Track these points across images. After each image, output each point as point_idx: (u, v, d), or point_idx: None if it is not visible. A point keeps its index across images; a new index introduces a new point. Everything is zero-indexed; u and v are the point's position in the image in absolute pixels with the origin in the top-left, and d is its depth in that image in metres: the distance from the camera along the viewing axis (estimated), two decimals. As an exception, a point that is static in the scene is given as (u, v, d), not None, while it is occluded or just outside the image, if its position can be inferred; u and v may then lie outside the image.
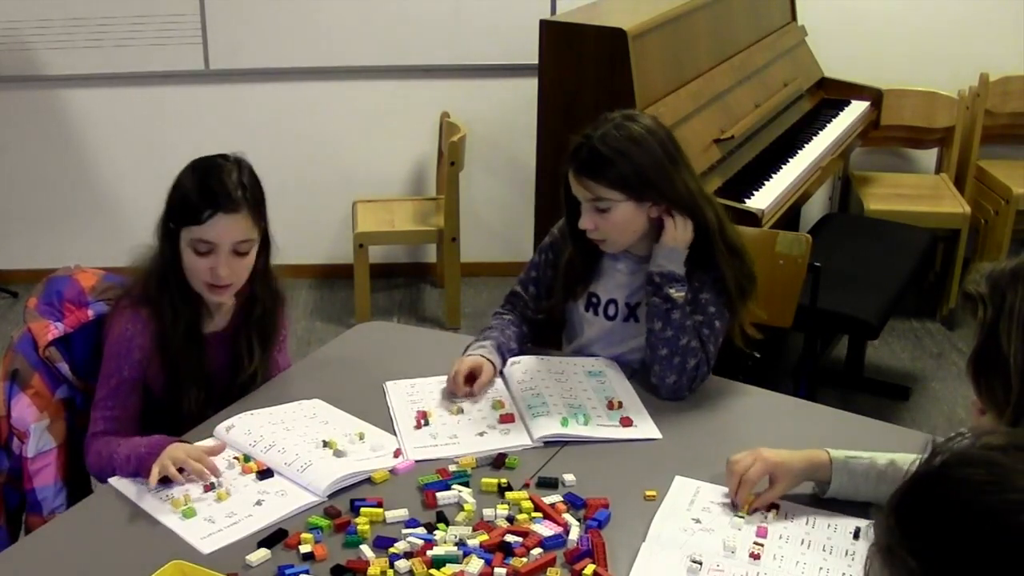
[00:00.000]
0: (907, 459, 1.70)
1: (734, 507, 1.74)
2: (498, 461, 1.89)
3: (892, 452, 1.75)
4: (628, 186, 2.03)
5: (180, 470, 1.79)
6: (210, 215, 1.93)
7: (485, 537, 1.66)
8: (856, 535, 1.67)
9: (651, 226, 2.11)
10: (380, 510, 1.72)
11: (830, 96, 4.28)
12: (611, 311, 2.20)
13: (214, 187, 1.95)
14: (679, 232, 2.07)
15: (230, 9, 4.29)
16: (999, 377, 1.37)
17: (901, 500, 0.96)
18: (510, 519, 1.72)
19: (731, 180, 3.34)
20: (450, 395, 2.09)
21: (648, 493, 1.78)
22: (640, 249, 2.16)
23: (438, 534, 1.67)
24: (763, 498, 1.73)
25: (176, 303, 2.01)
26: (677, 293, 2.06)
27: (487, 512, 1.73)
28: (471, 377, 2.10)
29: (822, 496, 1.76)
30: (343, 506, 1.76)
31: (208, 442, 1.92)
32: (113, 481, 1.83)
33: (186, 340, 2.03)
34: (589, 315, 2.22)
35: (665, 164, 2.04)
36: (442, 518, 1.72)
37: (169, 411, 2.06)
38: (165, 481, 1.79)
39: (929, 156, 4.65)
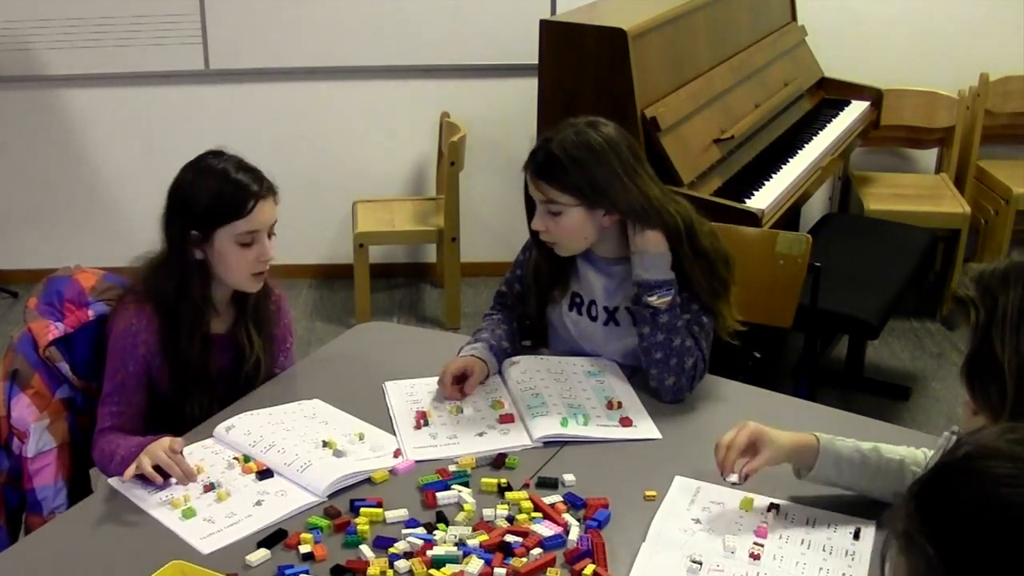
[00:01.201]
0: (891, 449, 1.71)
1: (722, 475, 1.72)
2: (498, 461, 1.89)
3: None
4: (580, 192, 2.04)
5: (161, 471, 1.78)
6: (253, 204, 1.98)
7: (485, 537, 1.66)
8: (856, 535, 1.67)
9: (613, 231, 2.11)
10: (380, 510, 1.72)
11: (830, 96, 4.28)
12: (593, 312, 2.20)
13: (244, 178, 1.99)
14: (639, 239, 2.07)
15: (230, 9, 4.29)
16: (994, 382, 1.36)
17: (923, 487, 0.97)
18: (510, 519, 1.72)
19: (731, 180, 3.34)
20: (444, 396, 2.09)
21: (648, 493, 1.78)
22: (605, 251, 2.16)
23: (438, 534, 1.67)
24: (749, 466, 1.70)
25: (197, 307, 2.02)
26: (659, 300, 2.05)
27: (487, 512, 1.73)
28: (461, 378, 2.10)
29: (800, 478, 1.75)
30: (343, 506, 1.76)
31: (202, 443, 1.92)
32: (112, 481, 1.83)
33: (193, 343, 2.03)
34: (574, 315, 2.22)
35: (620, 174, 2.04)
36: (442, 518, 1.72)
37: (174, 413, 2.06)
38: (142, 479, 1.78)
39: (929, 156, 4.65)
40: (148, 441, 1.86)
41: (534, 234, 2.16)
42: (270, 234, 2.04)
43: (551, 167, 2.05)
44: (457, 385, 2.09)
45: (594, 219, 2.08)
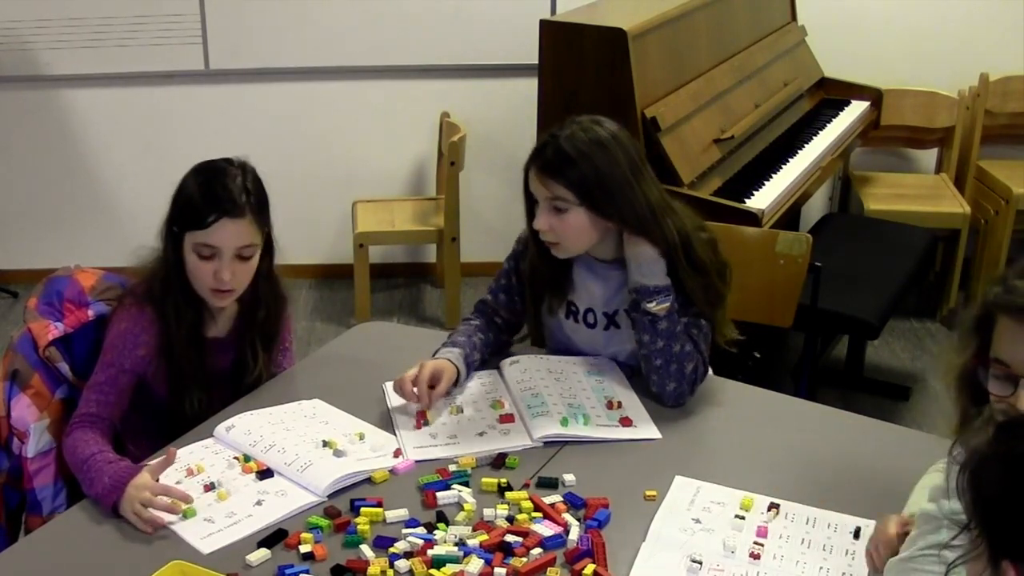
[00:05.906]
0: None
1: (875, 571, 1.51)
2: (498, 461, 1.89)
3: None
4: (586, 190, 2.02)
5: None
6: (214, 220, 1.93)
7: (485, 537, 1.66)
8: (856, 535, 1.67)
9: (613, 232, 2.09)
10: (380, 510, 1.72)
11: (830, 96, 4.28)
12: (590, 319, 2.20)
13: (218, 192, 1.95)
14: (633, 245, 2.05)
15: (230, 9, 4.30)
16: None
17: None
18: (510, 519, 1.72)
19: (731, 180, 3.34)
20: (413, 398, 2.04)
21: (648, 493, 1.78)
22: (602, 253, 2.14)
23: (438, 534, 1.67)
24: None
25: (179, 306, 2.01)
26: (658, 306, 2.04)
27: (487, 512, 1.73)
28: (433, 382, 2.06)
29: None
30: (343, 506, 1.76)
31: (174, 454, 1.85)
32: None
33: (188, 343, 2.03)
34: (570, 323, 2.21)
35: (626, 173, 2.02)
36: (442, 518, 1.72)
37: (171, 413, 2.06)
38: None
39: (929, 156, 4.65)
40: (123, 474, 1.76)
41: (534, 235, 2.14)
42: (242, 258, 1.98)
43: (559, 162, 2.02)
44: (428, 391, 2.04)
45: (599, 220, 2.07)
